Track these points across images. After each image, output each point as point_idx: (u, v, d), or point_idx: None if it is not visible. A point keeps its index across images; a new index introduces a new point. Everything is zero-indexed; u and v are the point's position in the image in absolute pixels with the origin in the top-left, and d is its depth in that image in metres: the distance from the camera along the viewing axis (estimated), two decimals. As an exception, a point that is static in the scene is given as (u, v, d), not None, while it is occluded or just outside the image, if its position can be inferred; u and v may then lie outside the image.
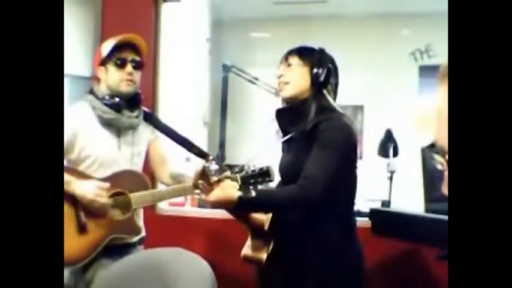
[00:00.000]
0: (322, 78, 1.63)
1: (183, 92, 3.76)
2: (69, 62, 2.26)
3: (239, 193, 1.48)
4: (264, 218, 1.59)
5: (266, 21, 4.85)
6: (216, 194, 1.49)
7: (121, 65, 1.88)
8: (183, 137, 2.05)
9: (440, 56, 4.29)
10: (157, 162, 2.07)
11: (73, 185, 1.76)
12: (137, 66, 1.92)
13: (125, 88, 1.89)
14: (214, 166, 1.75)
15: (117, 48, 1.88)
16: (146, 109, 2.04)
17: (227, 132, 4.31)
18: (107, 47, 1.90)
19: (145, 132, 2.01)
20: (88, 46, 2.96)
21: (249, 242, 1.60)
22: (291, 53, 1.70)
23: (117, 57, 1.89)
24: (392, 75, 4.54)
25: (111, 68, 1.89)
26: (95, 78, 1.95)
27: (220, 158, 3.96)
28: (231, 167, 2.05)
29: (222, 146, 4.24)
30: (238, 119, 4.60)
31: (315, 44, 1.71)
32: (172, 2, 2.87)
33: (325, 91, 1.64)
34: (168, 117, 2.90)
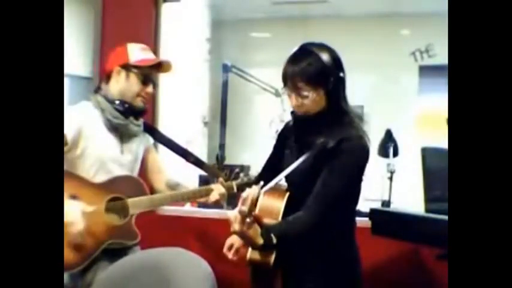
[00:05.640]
0: (340, 97, 1.59)
1: (183, 92, 3.76)
2: (69, 62, 2.26)
3: (261, 241, 1.46)
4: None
5: (266, 21, 4.85)
6: (249, 232, 1.47)
7: (145, 81, 1.88)
8: (181, 147, 2.07)
9: (440, 56, 4.29)
10: (153, 170, 2.07)
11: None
12: (155, 86, 1.96)
13: (140, 104, 1.90)
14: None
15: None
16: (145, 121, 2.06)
17: (227, 132, 4.31)
18: (137, 53, 1.88)
19: (144, 139, 2.02)
20: (88, 46, 2.96)
21: None
22: (295, 77, 1.55)
23: (144, 71, 1.88)
24: (392, 75, 4.55)
25: (134, 78, 1.87)
26: (106, 75, 1.91)
27: (221, 158, 3.97)
28: (231, 169, 2.08)
29: (221, 146, 4.24)
30: (238, 119, 4.60)
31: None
32: (172, 2, 2.87)
33: (342, 102, 1.60)
34: (168, 117, 2.91)
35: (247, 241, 1.47)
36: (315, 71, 1.54)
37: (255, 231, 1.44)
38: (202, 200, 2.00)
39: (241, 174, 2.04)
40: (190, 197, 2.02)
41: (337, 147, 1.54)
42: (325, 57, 1.55)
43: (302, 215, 1.54)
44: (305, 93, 1.55)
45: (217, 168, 2.09)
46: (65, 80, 2.90)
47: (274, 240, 1.46)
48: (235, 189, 1.98)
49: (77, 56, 3.53)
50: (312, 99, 1.56)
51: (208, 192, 1.95)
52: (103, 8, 2.73)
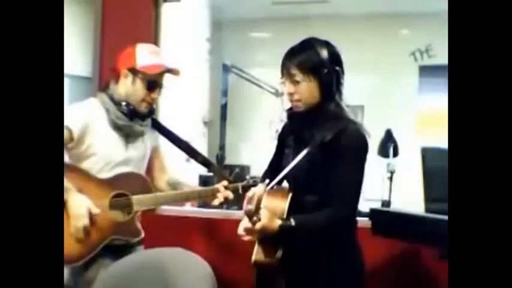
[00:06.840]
0: (333, 90, 1.60)
1: (183, 92, 3.76)
2: (69, 62, 2.26)
3: (279, 222, 1.49)
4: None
5: (266, 21, 4.85)
6: (262, 223, 1.49)
7: (150, 87, 1.88)
8: (189, 145, 2.08)
9: (440, 56, 4.29)
10: (157, 168, 2.08)
11: (69, 194, 1.73)
12: (161, 90, 1.94)
13: (144, 110, 1.90)
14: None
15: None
16: (154, 117, 2.05)
17: (227, 132, 4.31)
18: (145, 58, 1.87)
19: (151, 138, 2.02)
20: (88, 46, 2.96)
21: (257, 248, 1.59)
22: (290, 65, 1.60)
23: (150, 77, 1.87)
24: (392, 75, 4.55)
25: (139, 83, 1.87)
26: (115, 75, 1.91)
27: (221, 158, 3.97)
28: (231, 169, 2.09)
29: (222, 146, 4.25)
30: (238, 119, 4.60)
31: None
32: (172, 2, 2.87)
33: (336, 96, 1.62)
34: (168, 117, 2.90)
35: (263, 232, 1.49)
36: (309, 58, 1.59)
37: (271, 215, 1.48)
38: (207, 200, 2.01)
39: (248, 176, 2.06)
40: (196, 197, 2.03)
41: (336, 139, 1.55)
42: (322, 49, 1.60)
43: (330, 210, 1.54)
44: (298, 78, 1.59)
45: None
46: (65, 80, 2.90)
47: (293, 223, 1.48)
48: (240, 191, 1.98)
49: (77, 56, 3.53)
50: (305, 87, 1.59)
51: (214, 193, 1.95)
52: (103, 8, 2.73)
